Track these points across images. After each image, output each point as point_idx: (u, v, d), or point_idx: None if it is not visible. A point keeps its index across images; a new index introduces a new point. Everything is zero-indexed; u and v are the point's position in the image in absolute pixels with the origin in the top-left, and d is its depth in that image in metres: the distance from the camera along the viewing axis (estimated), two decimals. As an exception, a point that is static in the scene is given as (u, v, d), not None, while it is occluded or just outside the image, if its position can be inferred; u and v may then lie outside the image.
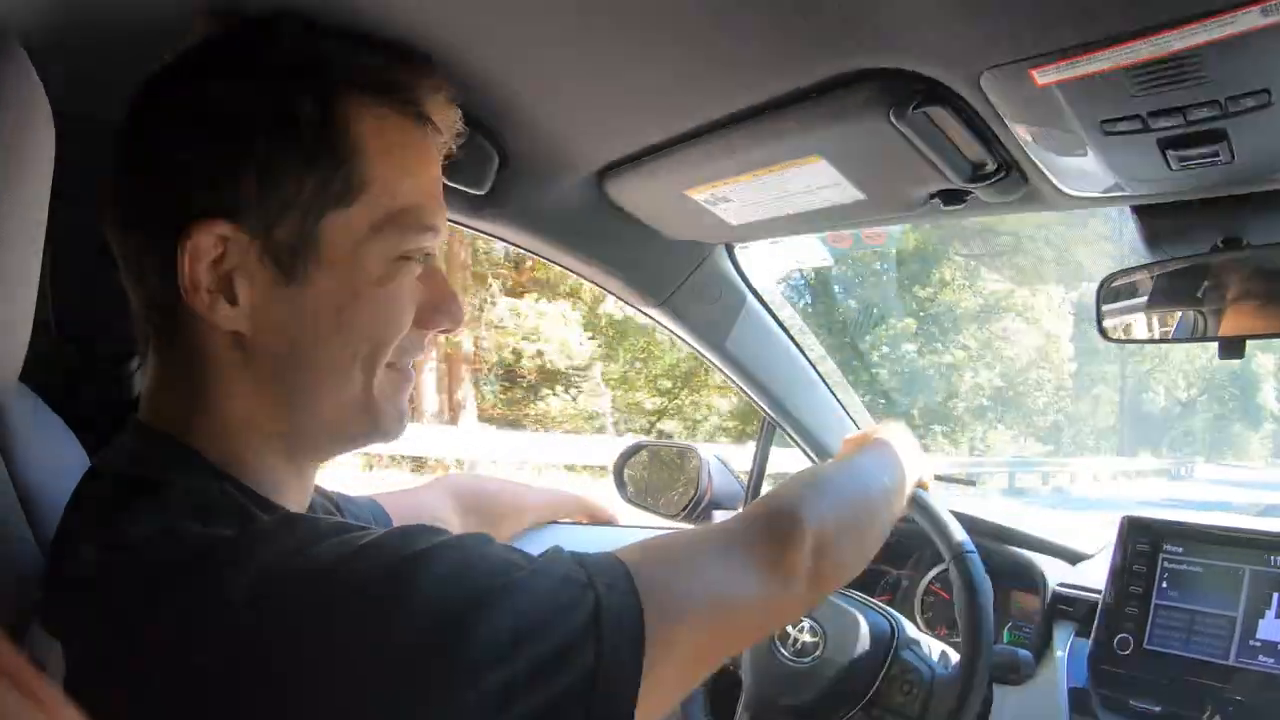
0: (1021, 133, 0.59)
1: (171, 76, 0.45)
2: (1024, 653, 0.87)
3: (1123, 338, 0.76)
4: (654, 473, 1.30)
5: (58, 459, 0.58)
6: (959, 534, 0.78)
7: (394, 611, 0.36)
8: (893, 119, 0.59)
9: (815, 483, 0.58)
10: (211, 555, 0.37)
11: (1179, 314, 0.73)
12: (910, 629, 0.89)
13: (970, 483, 1.10)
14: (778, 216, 0.81)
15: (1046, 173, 0.64)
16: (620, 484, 1.30)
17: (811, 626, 0.89)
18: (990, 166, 0.64)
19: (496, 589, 0.38)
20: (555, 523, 1.07)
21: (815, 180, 0.71)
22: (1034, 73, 0.51)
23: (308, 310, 0.44)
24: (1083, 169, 0.62)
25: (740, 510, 0.54)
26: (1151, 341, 0.75)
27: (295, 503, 0.49)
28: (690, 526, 1.20)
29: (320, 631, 0.35)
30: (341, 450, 0.50)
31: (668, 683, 0.42)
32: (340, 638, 0.35)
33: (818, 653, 0.86)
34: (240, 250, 0.42)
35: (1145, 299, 0.73)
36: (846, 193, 0.72)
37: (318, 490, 0.69)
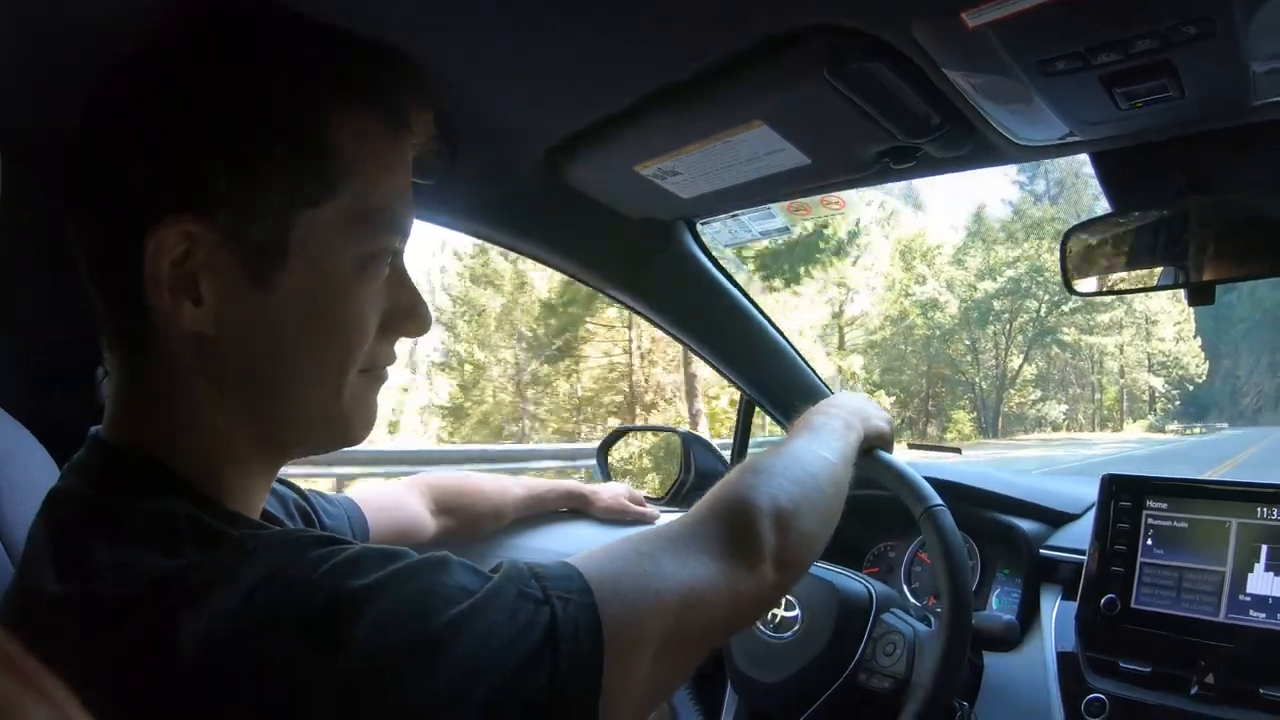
0: (961, 81, 0.56)
1: (140, 66, 0.42)
2: (1008, 618, 0.85)
3: (1090, 291, 0.73)
4: (638, 457, 1.29)
5: (27, 472, 0.58)
6: (925, 490, 0.76)
7: (335, 654, 0.35)
8: (829, 77, 0.57)
9: (755, 468, 0.57)
10: (164, 593, 0.36)
11: (1146, 263, 0.70)
12: (888, 592, 0.88)
13: (955, 450, 1.08)
14: (728, 187, 0.79)
15: (993, 122, 0.61)
16: (604, 469, 1.29)
17: (789, 601, 0.87)
18: (935, 120, 0.61)
19: (445, 628, 0.37)
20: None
21: (760, 147, 0.69)
22: (964, 15, 0.49)
23: (276, 312, 0.42)
24: (1031, 116, 0.60)
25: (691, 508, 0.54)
26: (1119, 293, 0.73)
27: (259, 505, 0.49)
28: (677, 511, 1.19)
29: (264, 676, 0.35)
30: (307, 454, 0.49)
31: (643, 680, 0.43)
32: (283, 681, 0.34)
33: (798, 626, 0.85)
34: (206, 248, 0.41)
35: (1111, 250, 0.71)
36: (793, 158, 0.70)
37: (293, 488, 0.69)
